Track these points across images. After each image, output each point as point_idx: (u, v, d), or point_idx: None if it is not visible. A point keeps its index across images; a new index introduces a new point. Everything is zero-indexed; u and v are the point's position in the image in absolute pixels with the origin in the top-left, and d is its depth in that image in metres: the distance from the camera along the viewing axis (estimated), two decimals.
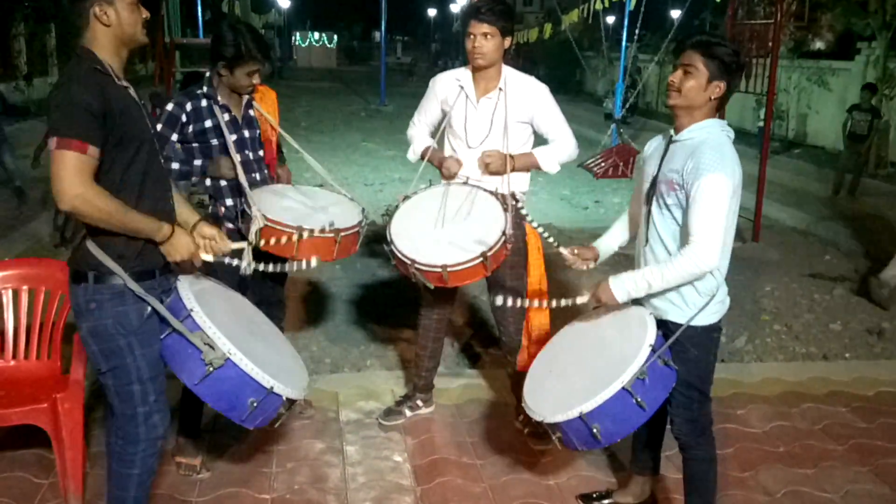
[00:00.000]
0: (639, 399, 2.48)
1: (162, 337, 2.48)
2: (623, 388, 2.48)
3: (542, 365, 3.03)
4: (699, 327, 2.65)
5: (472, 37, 3.37)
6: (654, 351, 2.55)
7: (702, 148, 2.52)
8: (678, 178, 2.55)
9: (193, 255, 2.54)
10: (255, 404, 2.46)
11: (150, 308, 2.44)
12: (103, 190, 2.26)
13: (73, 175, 2.18)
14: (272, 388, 2.46)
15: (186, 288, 2.53)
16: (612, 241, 3.07)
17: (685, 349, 2.66)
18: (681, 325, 2.64)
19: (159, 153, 2.52)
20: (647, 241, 2.75)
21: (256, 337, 2.77)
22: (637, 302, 2.79)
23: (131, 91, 2.40)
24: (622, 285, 2.66)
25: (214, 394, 2.45)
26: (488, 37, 3.34)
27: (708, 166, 2.46)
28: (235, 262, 2.81)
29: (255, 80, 3.32)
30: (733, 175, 2.49)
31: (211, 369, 2.39)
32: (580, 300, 2.81)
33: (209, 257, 2.64)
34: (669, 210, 2.62)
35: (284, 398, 2.53)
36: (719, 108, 2.63)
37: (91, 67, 2.28)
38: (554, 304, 2.90)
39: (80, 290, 2.40)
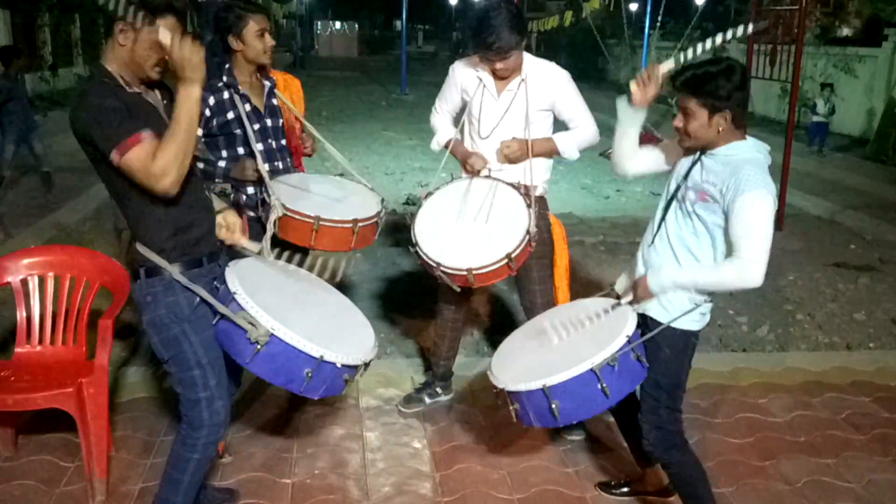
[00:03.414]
0: (604, 385, 2.49)
1: (214, 322, 2.56)
2: (591, 369, 2.49)
3: (515, 340, 3.06)
4: (678, 330, 2.65)
5: (491, 62, 3.31)
6: (629, 342, 2.56)
7: (746, 165, 2.48)
8: (715, 193, 2.51)
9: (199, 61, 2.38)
10: (310, 374, 2.49)
11: (198, 296, 2.51)
12: (159, 149, 2.26)
13: (146, 166, 2.24)
14: (322, 356, 2.48)
15: (233, 273, 2.59)
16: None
17: (659, 348, 2.66)
18: (660, 324, 2.64)
19: None
20: (652, 241, 2.72)
21: (312, 308, 2.80)
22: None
23: (145, 96, 2.44)
24: (658, 280, 2.62)
25: (269, 370, 2.49)
26: (509, 58, 3.30)
27: (752, 184, 2.43)
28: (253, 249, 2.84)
29: (268, 40, 3.28)
30: (774, 195, 2.47)
31: (259, 347, 2.44)
32: (618, 286, 2.81)
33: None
34: (691, 218, 2.59)
35: (339, 364, 2.54)
36: (739, 127, 2.55)
37: (100, 80, 2.35)
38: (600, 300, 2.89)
39: (136, 287, 2.51)
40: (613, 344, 2.53)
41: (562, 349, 2.74)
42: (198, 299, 2.51)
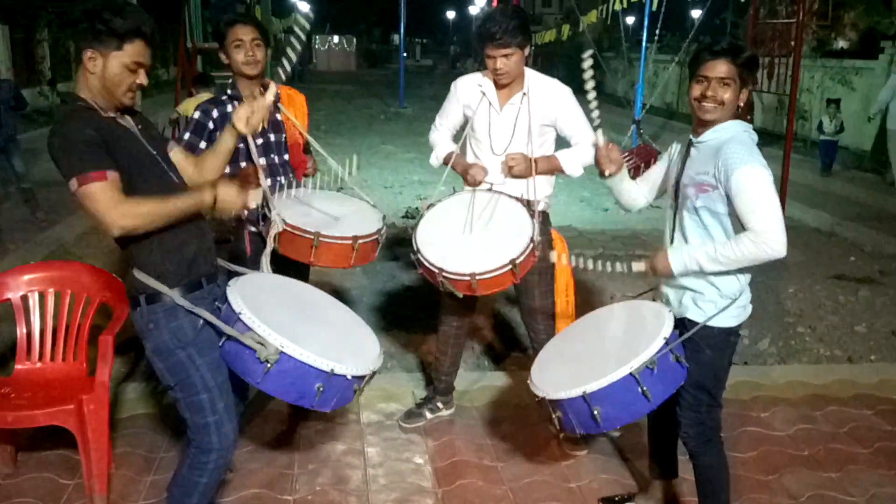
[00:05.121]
0: (644, 388, 2.47)
1: (220, 344, 2.53)
2: (631, 373, 2.47)
3: (553, 348, 3.04)
4: (716, 328, 2.64)
5: (492, 59, 3.32)
6: (667, 344, 2.54)
7: (728, 144, 2.52)
8: (710, 180, 2.54)
9: (245, 204, 2.52)
10: (321, 388, 2.48)
11: (202, 319, 2.48)
12: (134, 199, 2.27)
13: (106, 202, 2.22)
14: (332, 370, 2.48)
15: (235, 293, 2.57)
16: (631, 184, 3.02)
17: (700, 349, 2.65)
18: (697, 324, 2.63)
19: (166, 170, 2.50)
20: (672, 243, 2.73)
21: (316, 322, 2.81)
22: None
23: (120, 120, 2.41)
24: (679, 257, 2.62)
25: (280, 388, 2.48)
26: (510, 57, 3.31)
27: (739, 159, 2.46)
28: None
29: (245, 51, 3.27)
30: (766, 167, 2.48)
31: (269, 366, 2.43)
32: (636, 267, 2.76)
33: (257, 201, 2.60)
34: (698, 213, 2.61)
35: (349, 376, 2.54)
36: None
37: (75, 106, 2.32)
38: (609, 267, 2.82)
39: (137, 315, 2.47)
40: (651, 347, 2.51)
41: (600, 354, 2.73)
42: (201, 322, 2.48)
